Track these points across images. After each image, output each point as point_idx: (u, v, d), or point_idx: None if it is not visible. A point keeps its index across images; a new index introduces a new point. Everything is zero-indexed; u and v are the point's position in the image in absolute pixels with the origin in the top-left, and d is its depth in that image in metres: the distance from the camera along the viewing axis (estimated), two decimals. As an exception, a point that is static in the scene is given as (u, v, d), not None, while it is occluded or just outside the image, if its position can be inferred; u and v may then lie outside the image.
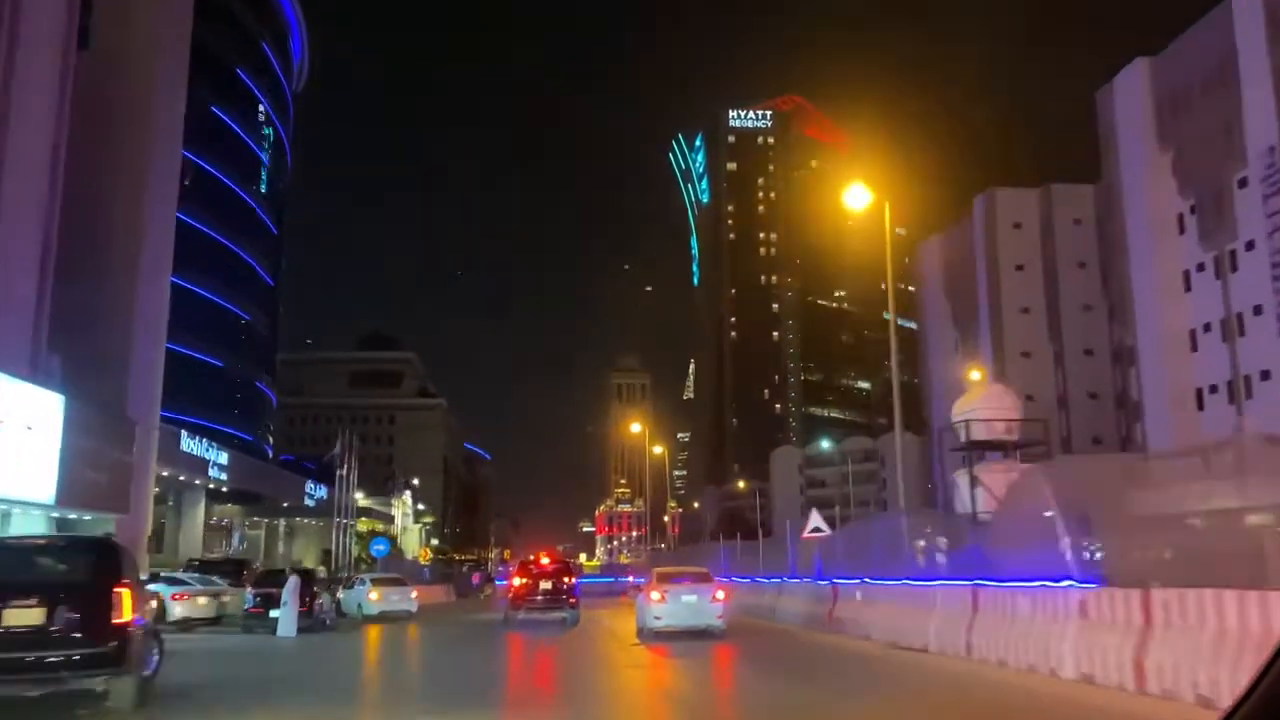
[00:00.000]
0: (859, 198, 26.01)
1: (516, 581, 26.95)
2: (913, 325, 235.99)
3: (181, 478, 49.64)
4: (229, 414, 64.69)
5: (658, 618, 20.10)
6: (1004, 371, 72.40)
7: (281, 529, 65.63)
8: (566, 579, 26.55)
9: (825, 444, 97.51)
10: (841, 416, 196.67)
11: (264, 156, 73.33)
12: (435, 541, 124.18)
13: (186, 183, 41.49)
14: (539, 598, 26.03)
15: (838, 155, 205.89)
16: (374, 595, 31.07)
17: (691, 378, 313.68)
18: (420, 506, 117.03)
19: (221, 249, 64.58)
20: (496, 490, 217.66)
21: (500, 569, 68.96)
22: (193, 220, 60.76)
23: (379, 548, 42.95)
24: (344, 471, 54.83)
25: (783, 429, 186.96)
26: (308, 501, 65.14)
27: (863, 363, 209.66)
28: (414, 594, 32.30)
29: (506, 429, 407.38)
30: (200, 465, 47.99)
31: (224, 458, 50.48)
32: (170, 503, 51.68)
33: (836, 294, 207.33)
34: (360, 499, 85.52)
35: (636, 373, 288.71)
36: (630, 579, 70.89)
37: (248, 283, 70.54)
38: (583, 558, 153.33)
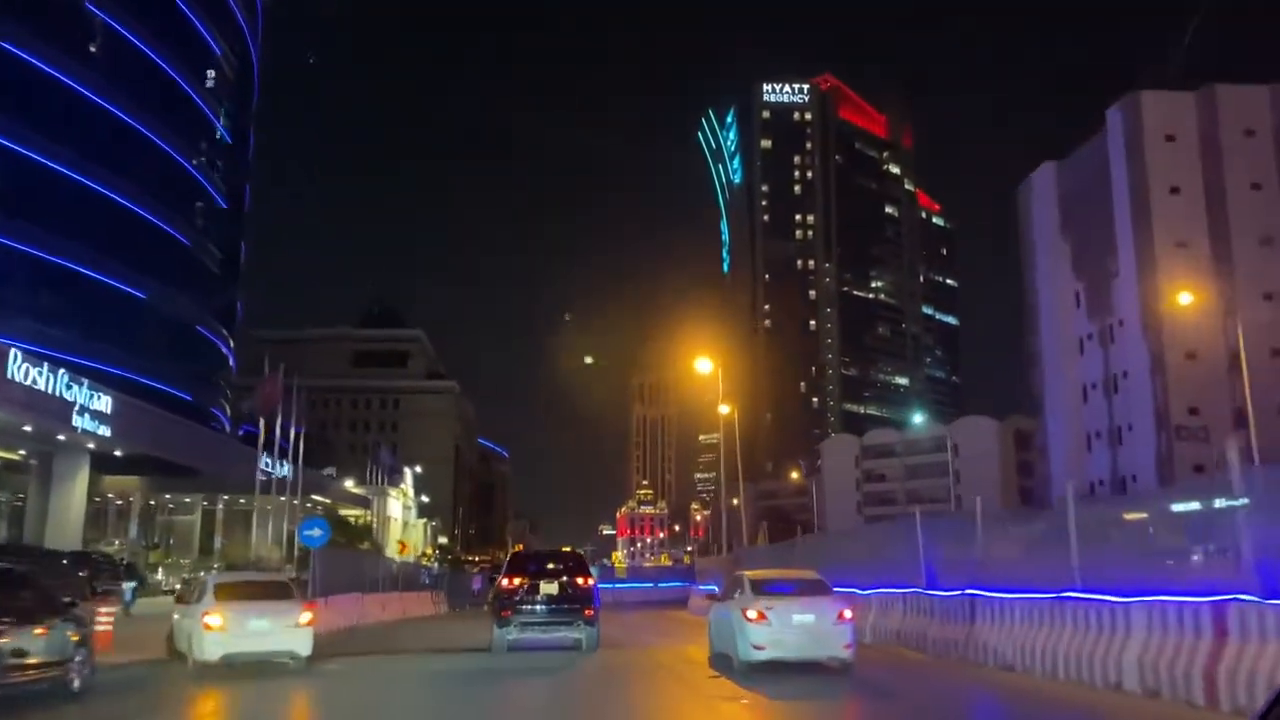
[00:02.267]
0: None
1: (505, 583, 17.45)
2: (953, 320, 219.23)
3: (60, 436, 32.84)
4: (154, 362, 47.33)
5: (758, 646, 13.51)
6: (1154, 325, 54.59)
7: (220, 514, 48.12)
8: (580, 580, 17.53)
9: (917, 418, 78.20)
10: (879, 414, 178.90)
11: (215, 45, 56.17)
12: (443, 540, 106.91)
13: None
14: (539, 608, 17.09)
15: (876, 139, 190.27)
16: (213, 620, 13.67)
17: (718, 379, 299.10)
18: (425, 499, 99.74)
19: (145, 143, 47.56)
20: (513, 489, 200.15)
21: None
22: (92, 93, 43.86)
23: (312, 533, 25.54)
24: (295, 432, 37.75)
25: (820, 424, 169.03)
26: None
27: (900, 357, 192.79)
28: (304, 618, 14.71)
29: (523, 428, 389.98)
30: (56, 410, 30.81)
31: (104, 403, 33.21)
32: (33, 469, 34.71)
33: (874, 285, 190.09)
34: (350, 486, 68.68)
35: (658, 371, 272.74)
36: (692, 584, 54.75)
37: (187, 198, 53.49)
38: (616, 557, 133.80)
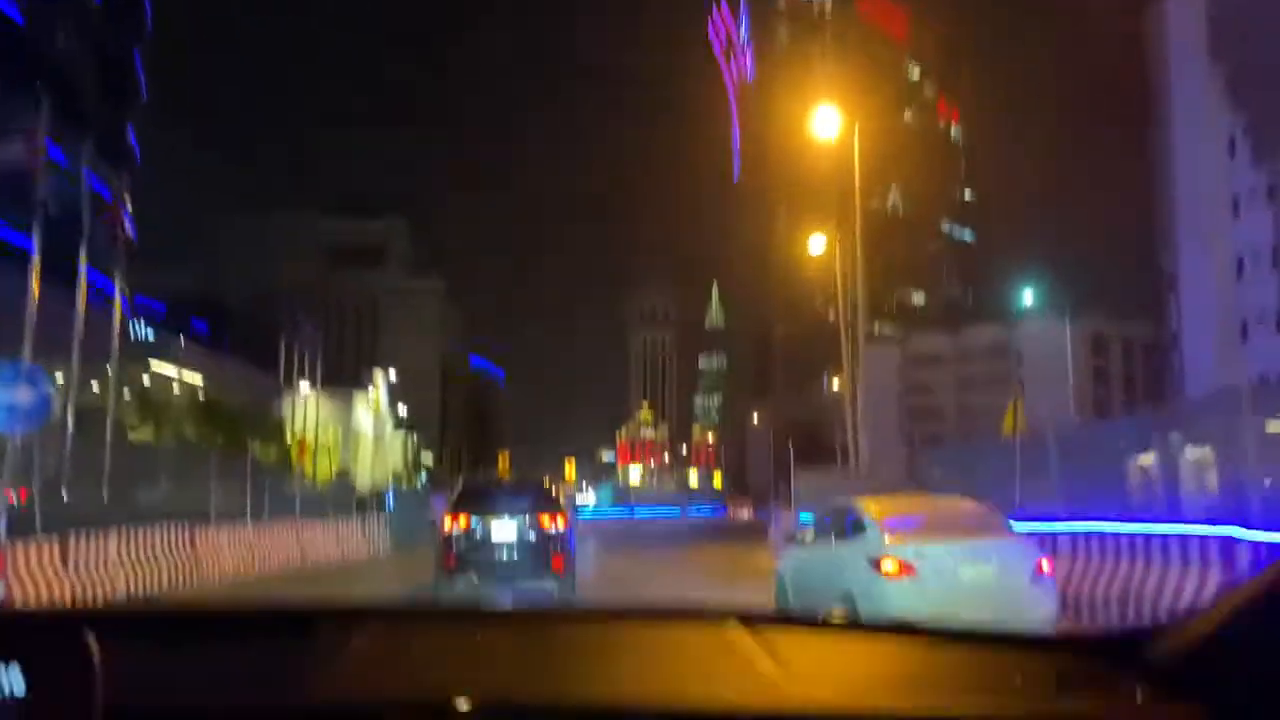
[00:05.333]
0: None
1: (449, 523, 12.73)
2: (968, 239, 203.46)
3: None
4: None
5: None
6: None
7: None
8: (545, 520, 12.77)
9: (1030, 300, 60.50)
10: (893, 335, 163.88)
11: None
12: (428, 459, 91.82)
13: None
14: (492, 556, 12.59)
15: (895, 46, 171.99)
16: None
17: (715, 302, 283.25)
18: (403, 412, 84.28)
19: None
20: (511, 413, 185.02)
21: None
22: None
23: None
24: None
25: (838, 341, 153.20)
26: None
27: (917, 273, 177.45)
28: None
29: (519, 349, 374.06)
30: None
31: None
32: None
33: (890, 198, 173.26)
34: (306, 390, 52.94)
35: (660, 291, 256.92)
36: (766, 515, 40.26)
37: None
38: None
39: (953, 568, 8.21)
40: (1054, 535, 11.27)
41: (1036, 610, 8.16)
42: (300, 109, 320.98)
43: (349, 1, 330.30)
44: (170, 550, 15.77)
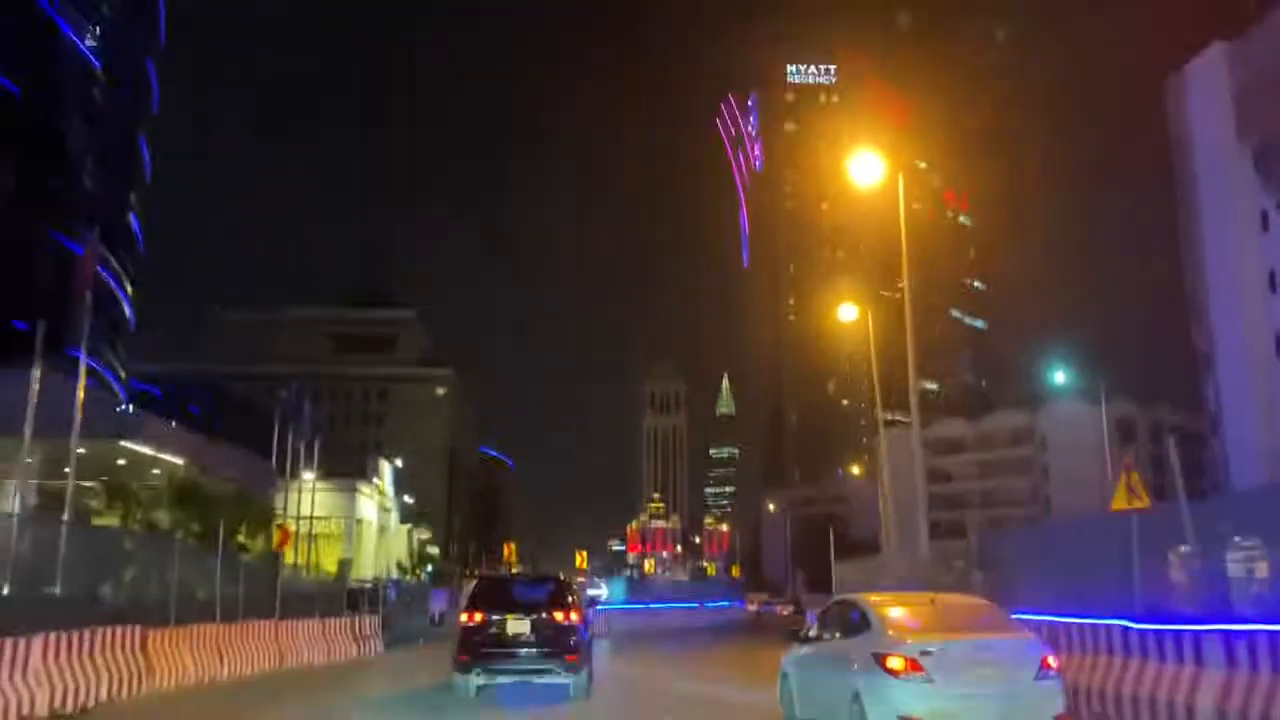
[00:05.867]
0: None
1: (465, 619, 13.34)
2: (980, 326, 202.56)
3: None
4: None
5: (911, 716, 7.85)
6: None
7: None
8: (559, 615, 13.18)
9: (1062, 378, 58.27)
10: (907, 420, 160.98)
11: None
12: (433, 551, 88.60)
13: None
14: (507, 650, 12.98)
15: (900, 130, 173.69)
16: None
17: (725, 391, 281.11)
18: (409, 500, 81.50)
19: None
20: (519, 503, 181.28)
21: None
22: None
23: None
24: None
25: (852, 429, 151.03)
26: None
27: (929, 361, 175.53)
28: None
29: (527, 440, 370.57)
30: None
31: None
32: None
33: (899, 285, 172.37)
34: (310, 480, 50.89)
35: (671, 380, 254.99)
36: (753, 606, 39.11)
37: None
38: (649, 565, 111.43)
39: (959, 664, 8.04)
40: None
41: (1044, 706, 8.06)
42: (313, 196, 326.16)
43: (363, 87, 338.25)
44: (113, 655, 13.37)
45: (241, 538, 27.12)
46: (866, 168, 19.74)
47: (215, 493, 25.06)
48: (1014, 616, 9.39)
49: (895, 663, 8.09)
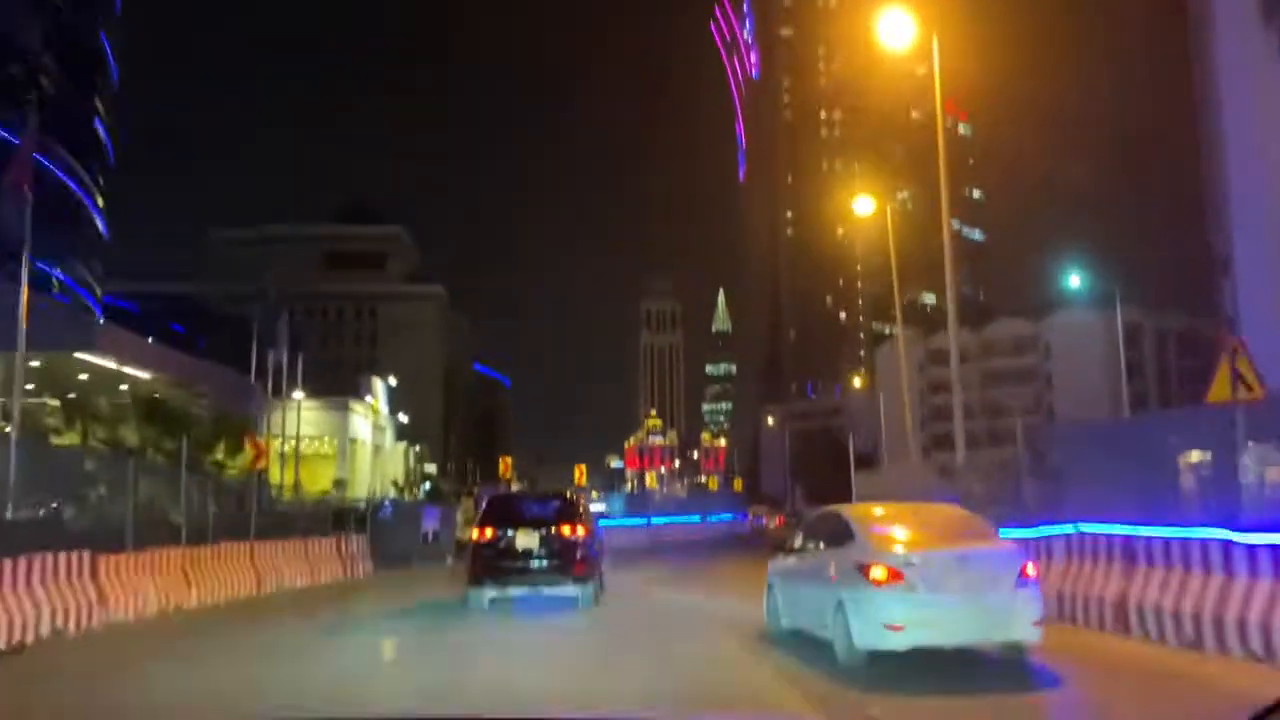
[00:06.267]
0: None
1: (476, 534, 13.98)
2: (978, 238, 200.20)
3: None
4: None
5: (893, 625, 8.06)
6: None
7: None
8: (566, 530, 13.78)
9: (1077, 282, 56.45)
10: (907, 334, 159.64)
11: None
12: (431, 469, 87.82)
13: None
14: (517, 563, 13.58)
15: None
16: None
17: (721, 307, 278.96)
18: (404, 419, 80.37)
19: None
20: (516, 421, 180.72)
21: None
22: None
23: None
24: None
25: (850, 342, 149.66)
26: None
27: (928, 274, 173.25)
28: None
29: (525, 356, 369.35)
30: None
31: None
32: None
33: (899, 195, 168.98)
34: (300, 398, 49.69)
35: (667, 297, 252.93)
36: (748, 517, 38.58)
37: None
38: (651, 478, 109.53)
39: (942, 572, 8.23)
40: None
41: (1023, 616, 8.24)
42: (300, 112, 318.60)
43: (353, 7, 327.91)
44: (59, 584, 11.93)
45: (220, 456, 25.72)
46: (896, 29, 17.58)
47: (188, 408, 23.48)
48: (1084, 527, 8.88)
49: (878, 573, 8.19)
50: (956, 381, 19.62)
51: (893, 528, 9.06)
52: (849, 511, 9.75)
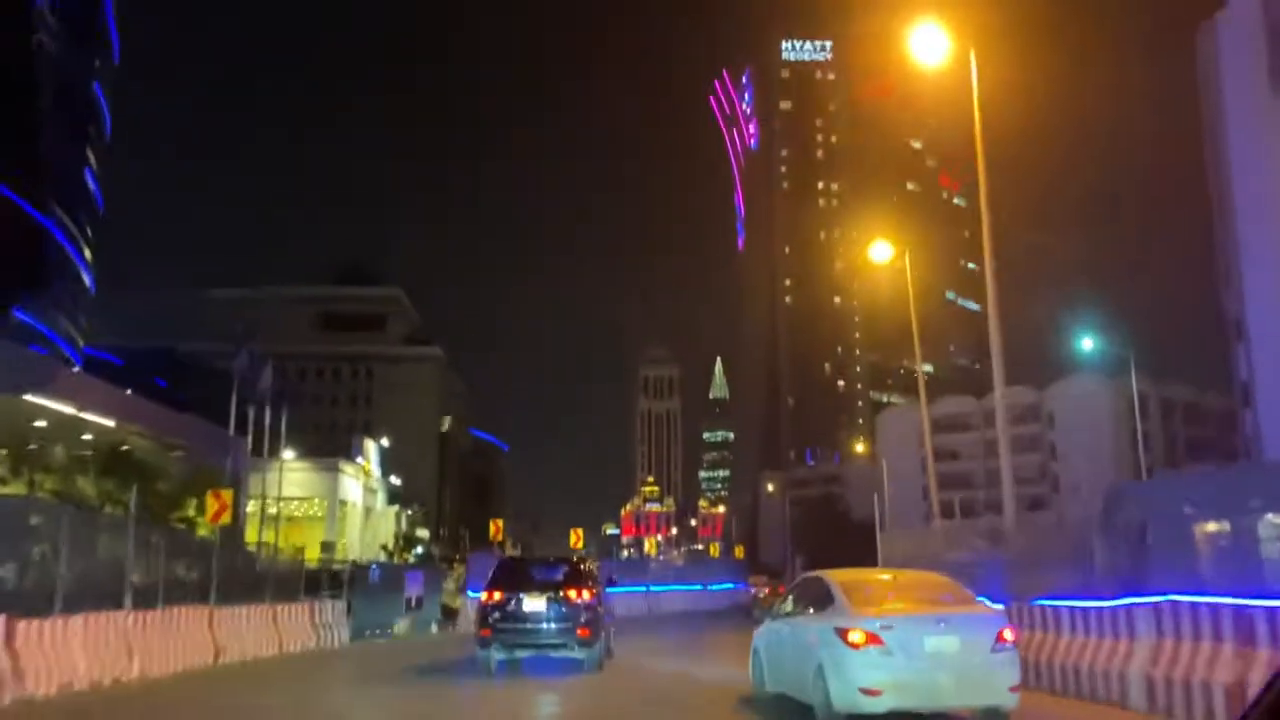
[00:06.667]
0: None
1: (484, 597, 14.35)
2: (975, 307, 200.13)
3: None
4: None
5: (870, 690, 8.09)
6: None
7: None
8: (572, 594, 14.03)
9: (1090, 345, 54.70)
10: (904, 403, 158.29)
11: None
12: (424, 533, 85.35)
13: None
14: (524, 626, 13.90)
15: (897, 114, 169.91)
16: None
17: (719, 374, 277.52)
18: (397, 481, 78.26)
19: None
20: (513, 487, 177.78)
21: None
22: None
23: None
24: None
25: (849, 410, 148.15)
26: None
27: (924, 344, 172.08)
28: None
29: (521, 426, 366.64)
30: None
31: None
32: None
33: (895, 266, 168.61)
34: (290, 459, 48.10)
35: (665, 364, 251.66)
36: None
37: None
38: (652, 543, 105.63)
39: (918, 637, 8.26)
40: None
41: (1000, 680, 8.22)
42: (305, 175, 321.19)
43: (357, 65, 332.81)
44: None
45: (191, 513, 23.88)
46: (930, 45, 16.41)
47: (159, 462, 21.73)
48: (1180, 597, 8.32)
49: (855, 636, 8.27)
50: (1005, 441, 17.92)
51: (871, 592, 9.18)
52: (830, 576, 9.81)
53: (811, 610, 9.48)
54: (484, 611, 14.12)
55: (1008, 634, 8.38)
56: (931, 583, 9.81)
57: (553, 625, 13.87)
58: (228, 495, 17.37)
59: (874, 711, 8.02)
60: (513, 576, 14.70)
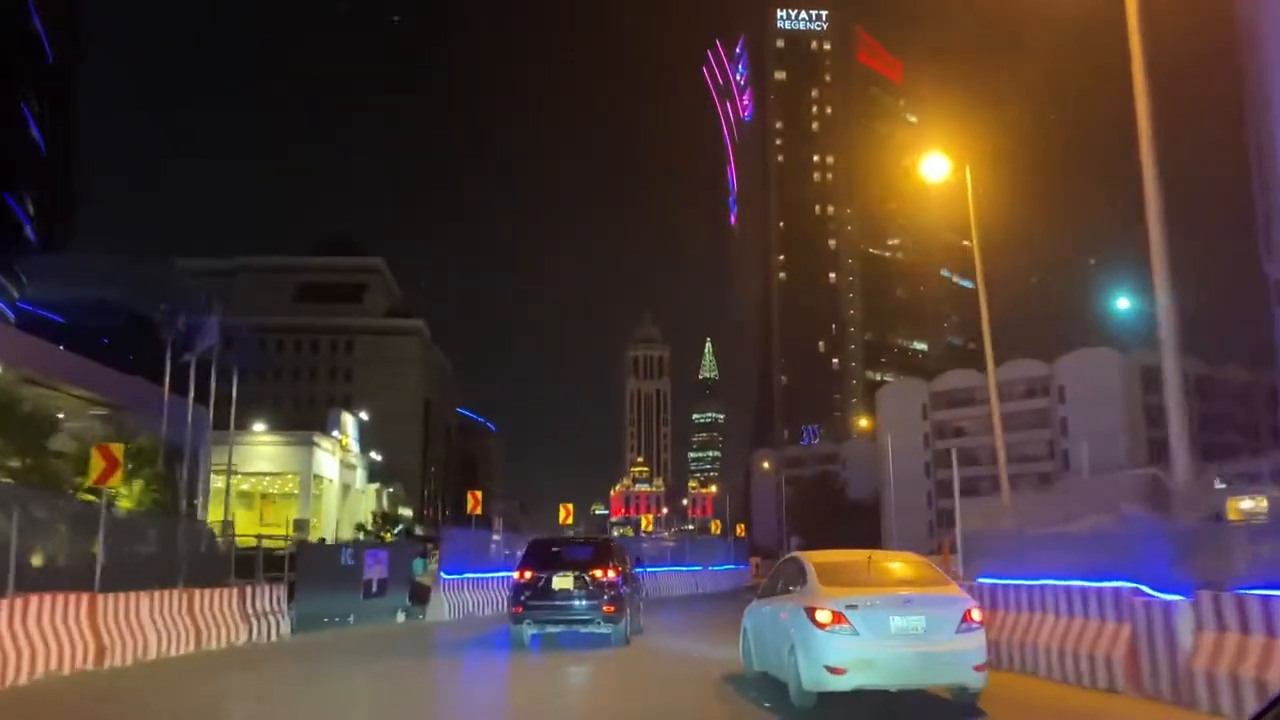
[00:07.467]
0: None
1: (517, 576, 15.56)
2: (970, 285, 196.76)
3: None
4: None
5: (835, 668, 8.22)
6: None
7: None
8: (599, 572, 14.95)
9: (1125, 305, 51.95)
10: (905, 381, 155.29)
11: None
12: (407, 512, 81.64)
13: None
14: (554, 603, 14.87)
15: (893, 85, 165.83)
16: None
17: (708, 355, 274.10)
18: (378, 457, 74.50)
19: None
20: (500, 468, 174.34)
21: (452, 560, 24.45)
22: None
23: None
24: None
25: (842, 388, 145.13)
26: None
27: (919, 322, 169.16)
28: None
29: (509, 405, 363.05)
30: None
31: None
32: None
33: (890, 242, 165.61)
34: (261, 433, 44.53)
35: (655, 344, 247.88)
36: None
37: None
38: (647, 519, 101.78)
39: (885, 617, 8.35)
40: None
41: (965, 660, 8.32)
42: (288, 142, 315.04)
43: (338, 34, 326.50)
44: None
45: (115, 482, 20.13)
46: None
47: (57, 416, 18.00)
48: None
49: (822, 615, 8.41)
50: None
51: (843, 573, 9.22)
52: (805, 557, 10.02)
53: (788, 590, 9.62)
54: (517, 590, 15.13)
55: (975, 614, 8.50)
56: (906, 563, 9.88)
57: (580, 602, 14.76)
58: (117, 450, 13.63)
59: (840, 689, 8.12)
60: (543, 557, 15.51)
